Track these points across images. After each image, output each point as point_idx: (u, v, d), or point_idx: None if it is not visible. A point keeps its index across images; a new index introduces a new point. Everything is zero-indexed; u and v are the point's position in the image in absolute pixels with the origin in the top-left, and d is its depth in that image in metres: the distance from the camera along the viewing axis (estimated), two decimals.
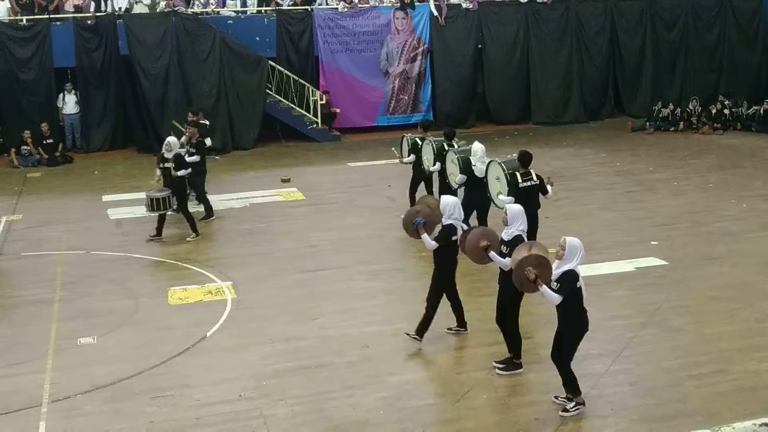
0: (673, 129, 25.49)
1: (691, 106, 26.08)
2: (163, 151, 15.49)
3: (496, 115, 27.11)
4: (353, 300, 12.40)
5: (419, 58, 26.28)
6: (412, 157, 16.26)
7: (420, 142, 16.10)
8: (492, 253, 9.80)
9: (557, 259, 8.77)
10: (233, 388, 9.73)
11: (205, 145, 17.18)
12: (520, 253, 9.05)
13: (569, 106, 27.38)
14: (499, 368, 9.92)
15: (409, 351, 10.60)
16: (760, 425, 3.93)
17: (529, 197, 12.62)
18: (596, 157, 22.31)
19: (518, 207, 10.01)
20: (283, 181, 19.89)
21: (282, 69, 24.78)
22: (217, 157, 23.46)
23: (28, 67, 23.30)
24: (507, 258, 9.55)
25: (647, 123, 25.88)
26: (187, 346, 10.90)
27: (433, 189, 16.00)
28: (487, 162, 13.83)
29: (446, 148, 15.30)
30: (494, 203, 13.52)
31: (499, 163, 13.26)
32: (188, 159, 16.02)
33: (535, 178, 12.81)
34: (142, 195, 16.42)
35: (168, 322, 11.80)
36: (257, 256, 14.55)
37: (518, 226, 9.76)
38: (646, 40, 27.78)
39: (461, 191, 14.46)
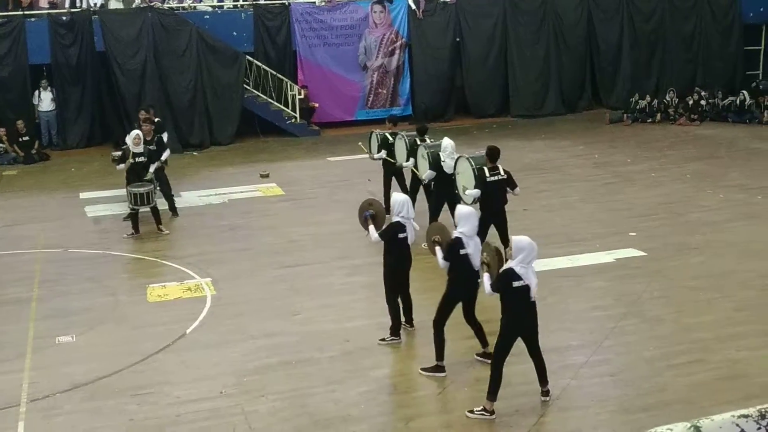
0: (650, 120, 25.59)
1: (668, 98, 26.18)
2: (131, 145, 15.37)
3: (475, 109, 27.12)
4: (334, 295, 12.37)
5: (397, 51, 26.25)
6: (383, 153, 16.09)
7: (391, 138, 15.98)
8: (437, 248, 9.76)
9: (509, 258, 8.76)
10: (214, 384, 9.69)
11: (164, 140, 16.98)
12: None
13: (547, 99, 27.43)
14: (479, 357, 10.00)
15: (390, 346, 10.59)
16: (739, 417, 3.93)
17: (496, 192, 12.69)
18: (574, 149, 22.37)
19: (469, 209, 9.85)
20: (262, 176, 19.82)
21: (260, 64, 24.69)
22: (194, 153, 23.40)
23: (2, 64, 23.09)
24: (443, 260, 9.67)
25: (625, 115, 25.96)
26: (167, 344, 10.84)
27: (406, 184, 15.98)
28: (455, 157, 13.76)
29: (418, 143, 15.19)
30: (463, 200, 13.23)
31: (467, 159, 13.23)
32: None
33: (502, 172, 12.77)
34: (120, 192, 16.36)
35: (147, 320, 11.74)
36: (237, 252, 14.50)
37: (462, 227, 9.60)
38: (623, 32, 27.84)
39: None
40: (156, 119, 17.90)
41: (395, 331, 10.70)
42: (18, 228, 16.42)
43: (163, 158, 15.58)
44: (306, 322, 11.46)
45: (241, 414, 9.01)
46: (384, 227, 10.67)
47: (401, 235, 10.44)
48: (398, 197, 10.68)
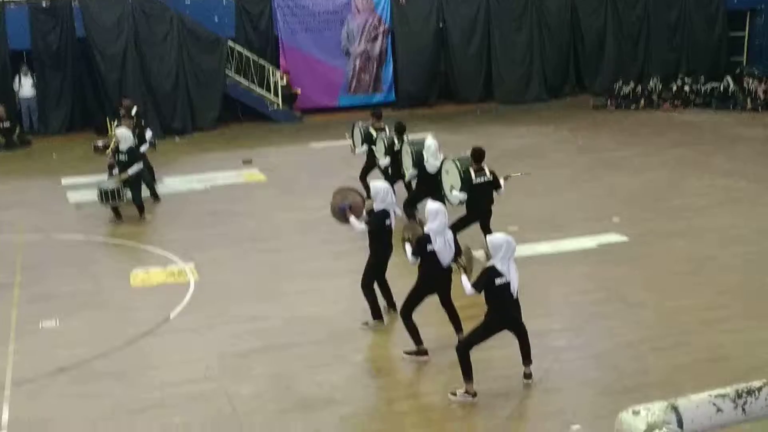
0: (634, 107, 25.70)
1: (651, 84, 26.28)
2: (119, 142, 15.31)
3: (458, 95, 27.13)
4: (317, 280, 12.37)
5: (380, 37, 26.21)
6: (365, 147, 16.02)
7: (374, 134, 15.88)
8: (407, 245, 9.68)
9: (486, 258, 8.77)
10: (197, 368, 9.68)
11: (145, 138, 16.72)
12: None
13: (531, 85, 27.47)
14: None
15: (374, 329, 10.60)
16: (716, 396, 3.97)
17: (482, 193, 12.60)
18: (558, 135, 22.42)
19: (437, 205, 9.71)
20: (245, 162, 19.78)
21: (241, 49, 24.61)
22: (177, 139, 23.32)
23: None
24: (412, 256, 9.59)
25: (608, 101, 26.06)
26: (151, 328, 10.82)
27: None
28: (440, 158, 13.61)
29: (396, 143, 15.12)
30: (447, 200, 13.13)
31: (453, 161, 13.05)
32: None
33: (488, 174, 12.65)
34: (103, 177, 16.29)
35: (131, 304, 11.71)
36: (220, 238, 14.48)
37: (431, 223, 9.48)
38: (607, 18, 27.91)
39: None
40: (134, 109, 17.75)
41: (377, 314, 10.68)
42: (0, 213, 16.36)
43: (129, 172, 15.16)
44: (290, 306, 11.45)
45: (224, 397, 9.01)
46: (371, 216, 10.54)
47: (388, 222, 10.47)
48: (380, 185, 10.62)
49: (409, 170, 14.42)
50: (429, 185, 13.76)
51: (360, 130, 16.33)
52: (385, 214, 10.42)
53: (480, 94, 27.24)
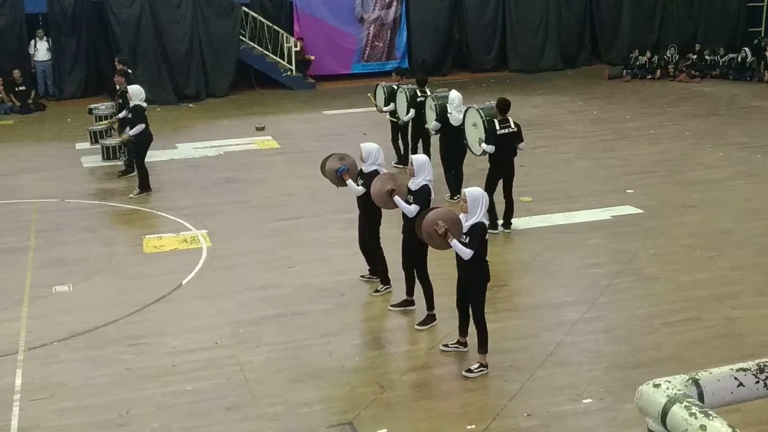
0: (650, 77, 25.49)
1: (668, 54, 26.04)
2: (130, 97, 15.06)
3: (473, 63, 26.98)
4: (329, 248, 12.37)
5: (394, 4, 26.05)
6: (392, 105, 16.08)
7: (395, 89, 16.00)
8: (396, 198, 9.71)
9: (462, 212, 8.61)
10: (209, 335, 9.72)
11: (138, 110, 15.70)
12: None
13: (546, 54, 27.29)
14: (419, 327, 9.85)
15: (385, 299, 10.61)
16: (737, 370, 3.95)
17: (506, 144, 12.50)
18: (572, 105, 22.29)
19: (423, 157, 9.86)
20: (258, 129, 19.74)
21: (256, 15, 24.50)
22: (190, 105, 23.30)
23: None
24: (413, 206, 9.50)
25: (624, 71, 25.85)
26: (163, 294, 10.86)
27: (408, 140, 16.14)
28: (463, 110, 13.67)
29: (419, 95, 15.31)
30: (471, 151, 13.38)
31: (477, 110, 13.10)
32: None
33: (513, 125, 12.58)
34: (113, 143, 16.42)
35: (143, 270, 11.74)
36: (232, 205, 14.48)
37: (425, 176, 9.58)
38: None
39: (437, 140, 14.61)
40: (128, 70, 17.50)
41: (386, 279, 10.73)
42: (14, 178, 16.40)
43: (131, 133, 14.90)
44: (301, 275, 11.46)
45: (236, 364, 9.04)
46: (362, 178, 10.45)
47: None
48: (370, 146, 10.53)
49: (431, 122, 14.45)
50: (454, 139, 13.86)
51: (383, 89, 16.36)
52: (376, 173, 10.30)
53: (494, 63, 27.07)
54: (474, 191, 8.62)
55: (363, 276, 11.14)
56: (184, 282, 11.26)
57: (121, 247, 12.69)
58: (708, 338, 9.45)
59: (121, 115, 15.83)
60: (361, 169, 10.51)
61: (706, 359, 8.82)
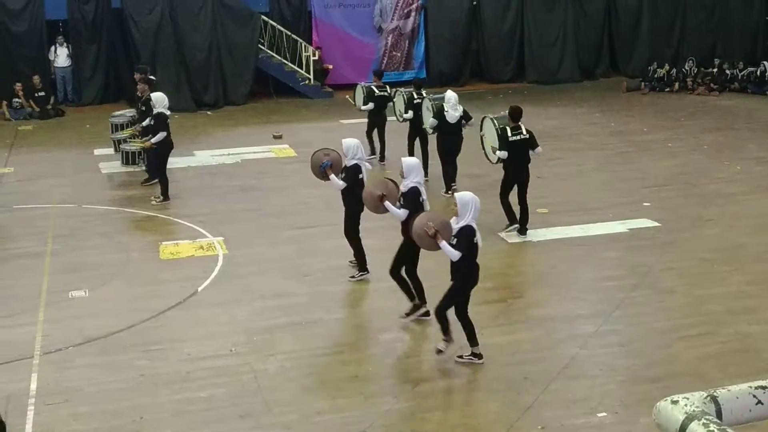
0: (668, 90, 25.41)
1: (687, 67, 25.97)
2: (154, 104, 15.09)
3: (490, 74, 26.99)
4: (344, 257, 12.35)
5: (413, 14, 26.09)
6: (371, 105, 17.27)
7: (377, 91, 17.27)
8: (387, 203, 9.99)
9: (453, 216, 8.91)
10: (224, 343, 9.74)
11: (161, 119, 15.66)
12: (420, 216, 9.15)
13: (564, 65, 27.26)
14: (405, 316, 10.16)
15: (399, 309, 10.59)
16: (756, 388, 3.92)
17: (518, 151, 12.80)
18: (590, 116, 22.25)
19: (414, 160, 10.33)
20: (275, 137, 19.80)
21: (275, 24, 24.58)
22: (208, 112, 23.39)
23: (20, 19, 23.13)
24: (402, 210, 9.82)
25: (642, 83, 25.79)
26: (178, 301, 10.89)
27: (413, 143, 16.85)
28: (459, 110, 14.83)
29: (416, 97, 16.33)
30: (488, 158, 13.77)
31: (491, 119, 13.46)
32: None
33: (524, 132, 12.88)
34: (134, 148, 16.53)
35: (159, 277, 11.79)
36: (249, 212, 14.52)
37: (414, 178, 9.92)
38: None
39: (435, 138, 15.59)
40: (151, 77, 17.66)
41: (363, 266, 11.43)
42: (32, 183, 16.50)
43: (153, 141, 14.89)
44: (316, 283, 11.48)
45: (250, 372, 9.05)
46: (344, 172, 11.12)
47: (360, 176, 11.08)
48: (350, 141, 11.27)
49: (429, 121, 15.37)
50: (450, 136, 14.99)
51: (362, 89, 17.75)
52: (357, 168, 11.05)
53: (512, 74, 27.07)
54: (464, 195, 8.92)
55: (353, 276, 11.53)
56: (199, 289, 11.30)
57: (138, 253, 12.75)
58: (724, 353, 9.40)
59: (145, 123, 15.85)
60: (345, 165, 11.15)
61: (722, 374, 8.77)
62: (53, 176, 16.93)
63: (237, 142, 19.66)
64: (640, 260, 12.13)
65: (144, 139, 15.55)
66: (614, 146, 18.99)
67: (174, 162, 16.28)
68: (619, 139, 19.66)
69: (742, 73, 25.51)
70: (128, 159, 17.11)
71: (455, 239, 8.75)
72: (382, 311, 10.59)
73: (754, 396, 3.94)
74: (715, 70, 25.74)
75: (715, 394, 3.90)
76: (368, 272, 11.45)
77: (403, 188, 9.98)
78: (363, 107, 17.47)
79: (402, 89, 17.39)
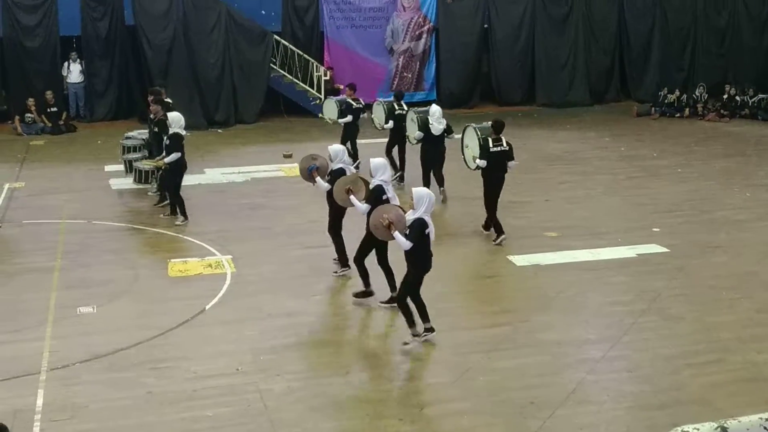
0: (678, 115, 25.40)
1: (697, 93, 25.97)
2: (170, 124, 15.02)
3: (500, 96, 27.02)
4: (353, 277, 12.36)
5: (424, 36, 26.18)
6: (349, 117, 18.11)
7: (396, 108, 17.53)
8: (351, 197, 11.03)
9: (410, 209, 9.76)
10: (230, 361, 9.73)
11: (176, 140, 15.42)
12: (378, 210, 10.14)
13: (574, 89, 27.29)
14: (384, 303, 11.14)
15: (406, 332, 10.56)
16: (766, 420, 3.91)
17: (498, 161, 13.63)
18: (600, 141, 22.25)
19: (381, 160, 11.25)
20: (285, 156, 19.83)
21: (287, 43, 24.68)
22: (219, 130, 23.47)
23: (34, 35, 23.26)
24: (364, 204, 10.87)
25: (652, 108, 25.79)
26: (186, 319, 10.90)
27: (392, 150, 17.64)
28: (443, 122, 15.53)
29: (396, 108, 17.45)
30: (467, 165, 14.79)
31: (474, 128, 14.48)
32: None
33: (505, 144, 13.66)
34: (147, 167, 16.60)
35: (167, 294, 11.80)
36: (258, 231, 14.55)
37: (380, 176, 10.93)
38: (654, 23, 27.66)
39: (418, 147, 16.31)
40: (167, 100, 17.31)
41: (345, 262, 12.22)
42: (43, 198, 16.54)
43: (166, 160, 14.78)
44: (324, 303, 11.48)
45: (256, 392, 9.04)
46: (330, 175, 11.89)
47: None
48: (336, 147, 12.20)
49: (414, 133, 16.17)
50: (434, 147, 15.73)
51: (337, 103, 18.60)
52: (341, 171, 11.76)
53: (522, 97, 27.12)
54: (420, 191, 9.87)
55: (335, 272, 12.42)
56: (207, 307, 11.30)
57: (146, 270, 12.76)
58: (732, 381, 9.36)
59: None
60: (331, 168, 11.94)
61: (730, 403, 8.73)
62: (64, 192, 16.99)
63: (247, 160, 19.71)
64: (649, 286, 12.10)
65: (158, 158, 15.55)
66: (624, 171, 18.97)
67: (184, 180, 16.22)
68: (628, 163, 19.65)
69: (752, 100, 25.49)
70: (141, 177, 17.10)
71: (408, 230, 9.64)
72: (390, 332, 10.58)
73: (765, 428, 3.93)
74: (726, 96, 25.74)
75: (725, 425, 3.90)
76: (350, 268, 12.05)
77: (370, 187, 10.92)
78: (385, 126, 17.71)
79: (382, 100, 18.57)
